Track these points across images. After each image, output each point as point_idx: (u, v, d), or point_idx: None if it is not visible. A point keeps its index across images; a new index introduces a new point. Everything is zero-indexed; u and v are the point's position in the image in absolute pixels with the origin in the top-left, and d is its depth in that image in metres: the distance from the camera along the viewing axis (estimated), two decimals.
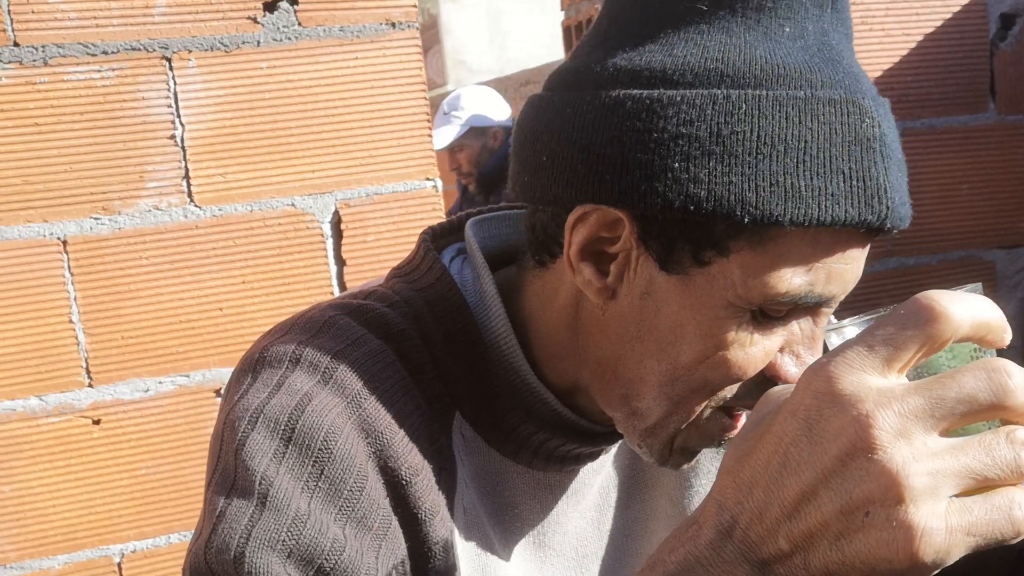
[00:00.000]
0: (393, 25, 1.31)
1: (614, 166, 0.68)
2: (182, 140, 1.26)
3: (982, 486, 0.47)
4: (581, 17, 1.57)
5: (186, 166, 1.26)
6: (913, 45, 1.51)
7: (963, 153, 1.57)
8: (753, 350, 0.69)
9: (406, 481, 0.71)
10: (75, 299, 1.25)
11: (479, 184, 3.48)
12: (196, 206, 1.27)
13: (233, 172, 1.28)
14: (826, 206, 0.65)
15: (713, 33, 0.67)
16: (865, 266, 0.72)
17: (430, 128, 1.35)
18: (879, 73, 1.52)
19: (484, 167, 3.48)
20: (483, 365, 0.78)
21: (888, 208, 0.66)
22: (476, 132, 3.51)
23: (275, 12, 1.26)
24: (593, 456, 0.84)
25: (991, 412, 0.46)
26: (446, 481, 0.76)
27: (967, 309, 0.46)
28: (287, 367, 0.72)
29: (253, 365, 0.74)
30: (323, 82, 1.29)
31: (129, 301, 1.27)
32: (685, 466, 0.79)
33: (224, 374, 1.32)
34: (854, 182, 0.65)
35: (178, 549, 1.33)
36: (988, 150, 1.58)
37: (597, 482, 0.87)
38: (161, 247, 1.27)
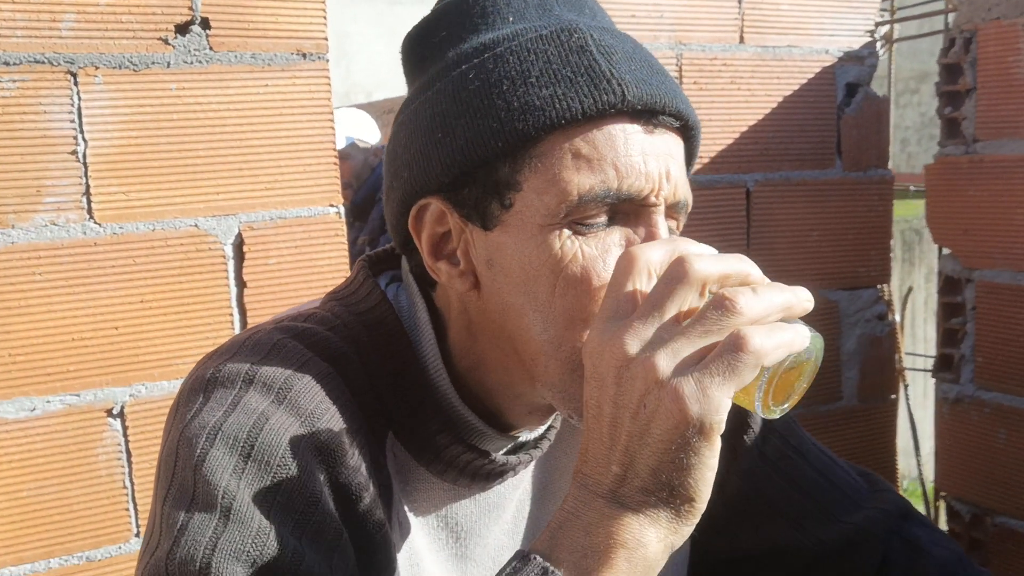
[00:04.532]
0: (304, 56, 1.35)
1: (409, 165, 0.81)
2: (84, 156, 1.24)
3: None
4: None
5: (87, 182, 1.25)
6: (774, 105, 1.68)
7: (813, 204, 1.76)
8: (587, 262, 0.75)
9: (356, 497, 0.75)
10: None
11: (353, 208, 3.49)
12: (96, 223, 1.26)
13: (136, 190, 1.27)
14: (559, 106, 0.75)
15: (456, 44, 0.81)
16: None
17: (335, 156, 1.39)
18: (745, 128, 1.68)
19: (359, 191, 3.50)
20: (416, 389, 0.84)
21: (622, 88, 0.75)
22: (357, 146, 3.53)
23: (187, 35, 1.27)
24: (515, 471, 0.90)
25: (692, 294, 0.62)
26: (385, 497, 0.80)
27: (652, 252, 0.65)
28: (240, 387, 0.75)
29: (204, 385, 0.76)
30: (232, 107, 1.31)
31: (18, 318, 1.24)
32: None
33: (116, 393, 1.30)
34: (578, 79, 0.75)
35: (58, 574, 1.29)
36: (834, 202, 1.77)
37: (516, 496, 0.94)
38: (56, 263, 1.24)
